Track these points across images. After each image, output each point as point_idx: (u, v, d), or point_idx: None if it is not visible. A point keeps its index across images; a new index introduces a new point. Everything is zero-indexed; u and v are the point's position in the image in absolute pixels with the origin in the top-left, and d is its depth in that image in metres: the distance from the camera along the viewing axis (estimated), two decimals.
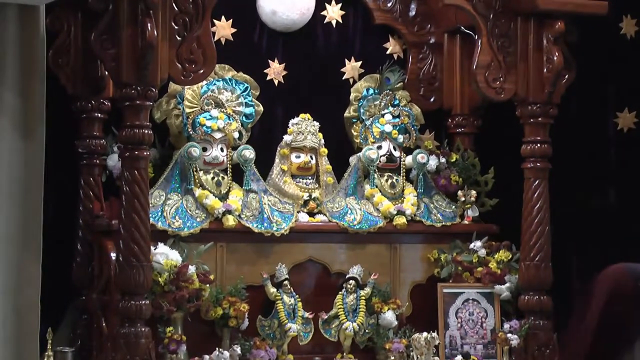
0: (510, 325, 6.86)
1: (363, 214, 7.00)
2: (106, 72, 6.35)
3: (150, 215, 6.18)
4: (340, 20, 7.33)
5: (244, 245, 6.75)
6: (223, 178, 6.75)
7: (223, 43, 6.98)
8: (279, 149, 7.03)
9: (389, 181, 7.17)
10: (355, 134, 7.26)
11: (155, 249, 6.22)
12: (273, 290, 6.72)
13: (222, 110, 6.78)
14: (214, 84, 6.80)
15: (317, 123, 7.07)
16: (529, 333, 6.79)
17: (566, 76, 6.83)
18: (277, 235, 6.73)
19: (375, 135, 7.18)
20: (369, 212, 7.02)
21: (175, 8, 6.10)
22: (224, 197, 6.69)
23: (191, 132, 6.72)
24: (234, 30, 7.06)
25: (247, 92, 6.89)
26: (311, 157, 7.03)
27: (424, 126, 7.43)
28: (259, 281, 6.72)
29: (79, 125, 6.60)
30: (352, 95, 7.28)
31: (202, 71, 6.21)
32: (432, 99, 7.46)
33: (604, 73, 7.56)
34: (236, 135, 6.80)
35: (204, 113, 6.74)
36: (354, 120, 7.27)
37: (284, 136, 7.03)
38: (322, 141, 7.08)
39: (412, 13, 7.38)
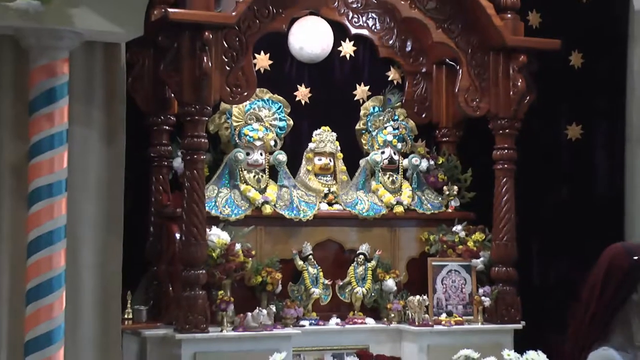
0: (484, 290, 6.84)
1: (370, 204, 6.97)
2: (172, 94, 6.38)
3: (206, 204, 6.20)
4: (353, 54, 7.31)
5: (278, 228, 6.74)
6: (262, 176, 6.74)
7: (262, 72, 6.97)
8: (305, 153, 7.01)
9: (390, 178, 7.14)
10: (364, 142, 7.23)
11: (209, 231, 6.21)
12: (300, 263, 6.71)
13: (262, 123, 6.77)
14: (255, 103, 6.78)
15: (335, 133, 7.05)
16: (499, 296, 6.78)
17: (528, 97, 6.81)
18: (303, 220, 6.72)
19: (379, 143, 7.16)
20: (374, 203, 7.00)
21: (225, 45, 6.12)
22: (262, 191, 6.68)
23: (237, 141, 6.71)
24: (270, 62, 7.04)
25: (280, 109, 6.87)
26: (330, 160, 7.01)
27: (417, 136, 7.39)
28: (289, 256, 6.71)
29: (150, 136, 6.61)
30: (362, 112, 7.25)
31: (245, 93, 6.23)
32: (423, 115, 7.42)
33: (557, 95, 7.51)
34: (272, 143, 6.79)
35: (248, 126, 6.73)
36: (363, 131, 7.25)
37: (309, 144, 7.01)
38: (339, 147, 7.06)
39: (409, 48, 7.34)
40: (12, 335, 5.18)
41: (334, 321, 6.68)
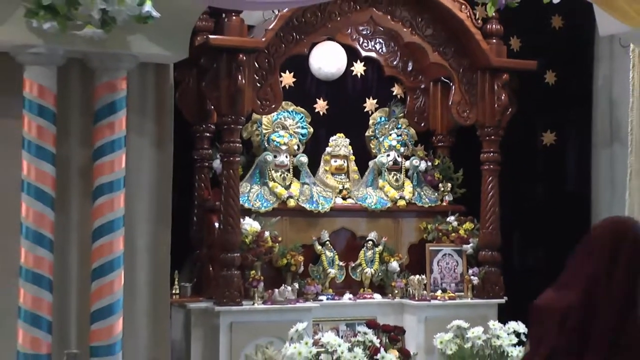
0: (473, 271, 6.83)
1: (377, 199, 6.98)
2: (212, 107, 6.40)
3: (240, 198, 6.21)
4: (363, 73, 7.30)
5: (300, 219, 6.74)
6: (287, 175, 6.74)
7: (287, 88, 6.97)
8: (323, 156, 7.02)
9: (394, 177, 7.14)
10: (372, 146, 7.23)
11: (243, 221, 6.23)
12: (319, 247, 6.73)
13: (287, 131, 6.79)
14: (281, 114, 6.79)
15: (348, 139, 7.05)
16: (485, 276, 6.78)
17: (510, 109, 6.80)
18: (322, 212, 6.73)
19: (385, 147, 7.16)
20: (381, 197, 7.00)
21: (256, 65, 6.13)
22: (287, 187, 6.68)
23: (266, 145, 6.72)
24: (294, 79, 7.06)
25: (302, 119, 6.89)
26: (344, 162, 7.02)
27: (417, 141, 7.38)
28: (310, 242, 6.72)
29: (194, 141, 6.62)
30: (370, 121, 7.25)
31: (273, 106, 6.24)
32: (422, 124, 7.41)
33: (534, 107, 7.48)
34: (296, 147, 6.80)
35: (275, 133, 6.75)
36: (372, 137, 7.24)
37: (326, 148, 7.02)
38: (351, 151, 7.07)
39: (410, 68, 7.33)
40: (80, 307, 5.25)
41: (347, 296, 6.70)
